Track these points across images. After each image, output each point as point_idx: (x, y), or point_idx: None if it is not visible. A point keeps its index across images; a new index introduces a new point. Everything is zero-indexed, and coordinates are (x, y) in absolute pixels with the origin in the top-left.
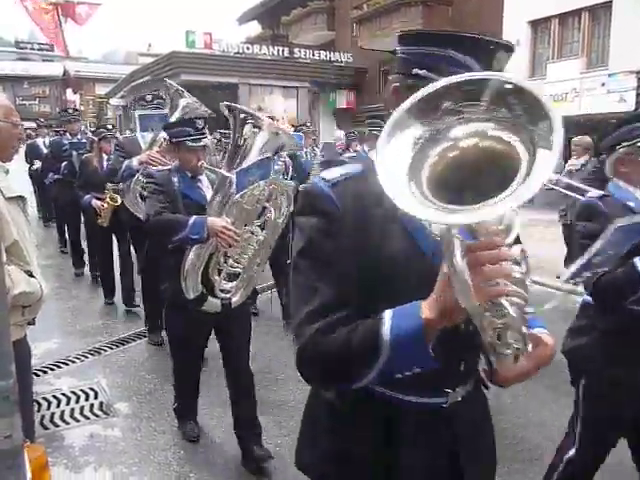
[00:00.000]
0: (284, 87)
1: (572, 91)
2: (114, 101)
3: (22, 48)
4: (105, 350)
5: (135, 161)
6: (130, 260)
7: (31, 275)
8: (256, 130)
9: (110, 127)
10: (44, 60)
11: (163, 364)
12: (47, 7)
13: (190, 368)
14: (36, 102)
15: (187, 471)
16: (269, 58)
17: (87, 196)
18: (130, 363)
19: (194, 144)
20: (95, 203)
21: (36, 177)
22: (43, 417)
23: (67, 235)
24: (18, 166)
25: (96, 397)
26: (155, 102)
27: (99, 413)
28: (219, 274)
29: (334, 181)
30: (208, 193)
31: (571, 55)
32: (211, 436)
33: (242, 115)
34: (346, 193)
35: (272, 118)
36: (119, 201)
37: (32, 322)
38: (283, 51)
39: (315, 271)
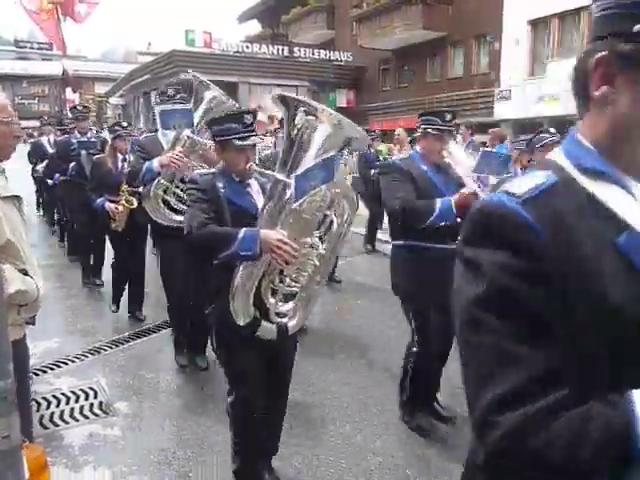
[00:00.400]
0: (284, 86)
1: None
2: (114, 100)
3: (21, 47)
4: (105, 349)
5: (156, 162)
6: (143, 267)
7: (26, 274)
8: (311, 118)
9: (125, 125)
10: (43, 59)
11: (163, 363)
12: (47, 6)
13: (252, 416)
14: (35, 101)
15: (187, 471)
16: (269, 57)
17: (100, 199)
18: (130, 362)
19: (243, 142)
20: (109, 206)
21: (39, 178)
22: (42, 417)
23: (72, 239)
24: (21, 166)
25: (96, 396)
26: (178, 97)
27: (99, 412)
28: (273, 295)
29: (527, 196)
30: (259, 200)
31: (571, 54)
32: (211, 435)
33: (294, 104)
34: (546, 214)
35: (272, 117)
36: (135, 204)
37: (32, 322)
38: (283, 50)
39: (512, 330)
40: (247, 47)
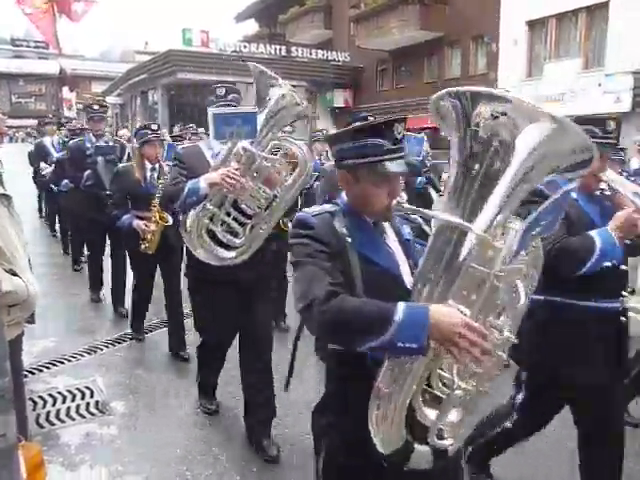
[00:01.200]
0: None
1: (569, 91)
2: (111, 99)
3: (18, 45)
4: (101, 349)
5: (203, 182)
6: (179, 300)
7: (14, 274)
8: (502, 116)
9: (155, 127)
10: (40, 58)
11: (159, 362)
12: (44, 6)
13: None
14: (32, 100)
15: (184, 469)
16: (266, 57)
17: (126, 215)
18: (126, 361)
19: (392, 168)
20: (138, 224)
21: (41, 183)
22: (39, 416)
23: (87, 256)
24: (22, 168)
25: (92, 395)
26: (230, 97)
27: (95, 411)
28: (432, 403)
29: None
30: (398, 253)
31: (568, 55)
32: (209, 434)
33: (469, 97)
34: None
35: None
36: (170, 221)
37: (32, 321)
38: (280, 50)
39: None
40: (245, 47)
